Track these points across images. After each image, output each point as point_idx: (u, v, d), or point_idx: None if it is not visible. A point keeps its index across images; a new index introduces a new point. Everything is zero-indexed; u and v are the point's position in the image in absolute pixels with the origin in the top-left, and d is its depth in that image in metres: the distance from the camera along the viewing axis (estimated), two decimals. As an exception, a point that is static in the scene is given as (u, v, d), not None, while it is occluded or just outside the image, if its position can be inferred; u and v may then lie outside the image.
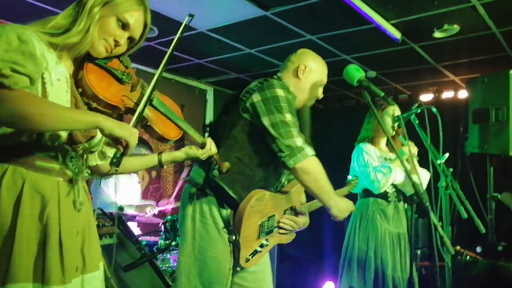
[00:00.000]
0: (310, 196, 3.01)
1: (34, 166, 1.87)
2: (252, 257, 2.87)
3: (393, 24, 5.11)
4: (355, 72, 2.77)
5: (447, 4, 4.58)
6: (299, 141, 2.71)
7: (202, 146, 2.54)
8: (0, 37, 1.74)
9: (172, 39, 2.24)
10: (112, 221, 3.61)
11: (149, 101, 2.15)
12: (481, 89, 4.92)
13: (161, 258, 4.49)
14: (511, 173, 6.07)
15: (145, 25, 2.16)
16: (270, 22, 5.08)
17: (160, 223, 4.82)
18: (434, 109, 3.56)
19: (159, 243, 4.65)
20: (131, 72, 2.17)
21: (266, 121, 2.76)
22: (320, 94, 3.14)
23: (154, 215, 5.47)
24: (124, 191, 5.50)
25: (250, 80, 7.59)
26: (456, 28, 5.13)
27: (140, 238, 4.27)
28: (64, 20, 1.98)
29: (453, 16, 4.85)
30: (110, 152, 2.24)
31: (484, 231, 3.54)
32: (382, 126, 3.08)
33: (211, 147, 2.56)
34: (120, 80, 2.10)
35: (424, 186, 4.27)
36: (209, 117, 8.11)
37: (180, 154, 2.59)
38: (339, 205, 2.89)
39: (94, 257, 2.09)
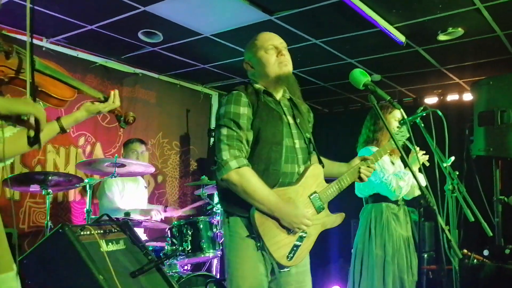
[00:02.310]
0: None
1: None
2: (294, 254, 2.87)
3: (397, 28, 5.11)
4: (361, 76, 2.77)
5: (451, 7, 4.59)
6: (225, 154, 2.76)
7: (104, 100, 2.47)
8: None
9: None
10: (119, 227, 3.61)
11: (32, 66, 1.95)
12: (486, 91, 4.92)
13: (167, 263, 4.49)
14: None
15: None
16: (274, 26, 5.08)
17: (167, 229, 4.82)
18: (439, 112, 3.57)
19: (166, 248, 4.65)
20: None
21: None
22: (279, 54, 3.02)
23: (161, 220, 5.49)
24: (130, 196, 5.51)
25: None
26: (460, 31, 5.13)
27: (146, 244, 4.27)
28: None
29: (457, 19, 4.86)
30: (0, 134, 1.95)
31: (491, 234, 3.55)
32: (389, 130, 3.07)
33: (114, 100, 2.51)
34: None
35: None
36: (214, 122, 8.10)
37: (81, 113, 2.46)
38: (285, 215, 2.78)
39: (3, 258, 1.93)
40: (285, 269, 2.90)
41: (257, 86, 3.02)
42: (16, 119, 1.71)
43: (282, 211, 2.77)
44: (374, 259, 4.32)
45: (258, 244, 2.78)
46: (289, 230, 2.84)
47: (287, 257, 2.85)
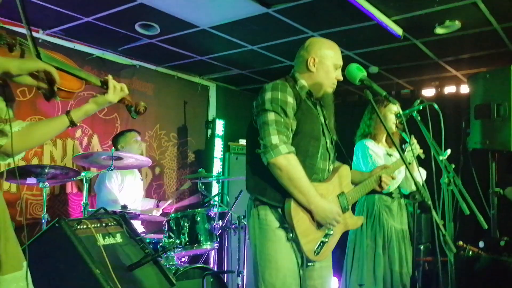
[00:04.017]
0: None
1: None
2: (320, 249, 2.94)
3: (394, 21, 5.11)
4: (357, 71, 2.80)
5: (448, 0, 4.58)
6: (275, 139, 2.77)
7: (101, 85, 2.39)
8: None
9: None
10: (116, 220, 3.62)
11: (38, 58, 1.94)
12: (483, 84, 4.92)
13: (165, 256, 4.50)
14: (515, 168, 6.07)
15: None
16: (272, 19, 5.08)
17: (164, 221, 4.83)
18: (436, 106, 3.58)
19: (163, 241, 4.66)
20: (2, 33, 1.92)
21: (258, 125, 2.90)
22: (338, 76, 3.12)
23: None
24: (128, 189, 5.51)
25: (252, 76, 7.63)
26: (457, 24, 5.13)
27: (144, 237, 4.28)
28: None
29: (454, 12, 4.85)
30: (8, 128, 1.98)
31: (486, 227, 3.57)
32: (384, 124, 3.09)
33: (122, 88, 2.44)
34: None
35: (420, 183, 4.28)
36: (212, 113, 8.12)
37: (90, 105, 2.37)
38: (321, 210, 2.84)
39: (13, 255, 1.95)
40: (311, 263, 2.95)
41: (302, 82, 3.07)
42: (31, 78, 1.79)
43: (319, 204, 2.82)
44: (365, 250, 4.36)
45: (291, 235, 2.82)
46: (319, 226, 2.90)
47: (315, 251, 2.91)
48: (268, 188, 2.88)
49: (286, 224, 2.82)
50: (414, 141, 4.21)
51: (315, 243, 2.91)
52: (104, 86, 2.36)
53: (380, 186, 3.31)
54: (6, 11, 4.67)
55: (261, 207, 2.91)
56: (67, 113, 2.27)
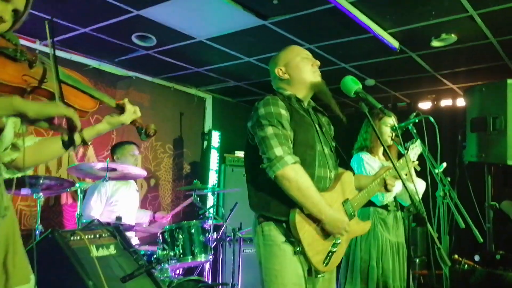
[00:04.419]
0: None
1: None
2: (329, 259, 2.91)
3: (391, 34, 5.13)
4: (352, 84, 2.79)
5: (444, 14, 4.61)
6: (278, 151, 2.73)
7: (121, 111, 2.35)
8: None
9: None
10: (110, 232, 3.60)
11: (57, 72, 1.92)
12: (479, 98, 4.94)
13: (159, 268, 4.47)
14: (511, 181, 6.08)
15: None
16: (268, 31, 5.10)
17: (158, 233, 4.80)
18: (431, 119, 3.58)
19: (157, 253, 4.63)
20: (23, 49, 1.89)
21: (257, 141, 2.85)
22: (315, 62, 3.11)
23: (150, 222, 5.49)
24: (122, 201, 5.47)
25: (249, 88, 7.64)
26: (453, 37, 5.15)
27: (138, 248, 4.25)
28: None
29: (450, 26, 4.88)
30: (20, 142, 2.02)
31: (481, 241, 3.56)
32: (379, 137, 3.08)
33: (135, 110, 2.39)
34: (14, 59, 1.84)
35: (420, 195, 4.27)
36: (208, 125, 8.12)
37: (103, 125, 2.33)
38: (332, 220, 2.80)
39: (21, 268, 1.94)
40: (320, 275, 2.93)
41: (287, 93, 3.05)
42: (49, 124, 1.72)
43: (328, 213, 2.78)
44: (359, 263, 4.34)
45: (298, 249, 2.77)
46: (326, 236, 2.86)
47: (324, 262, 2.88)
48: (271, 203, 2.84)
49: (292, 237, 2.78)
50: (415, 146, 4.16)
51: (323, 254, 2.88)
52: (119, 108, 2.34)
53: (385, 188, 3.28)
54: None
55: (265, 224, 2.88)
56: (80, 131, 2.17)
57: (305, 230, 2.79)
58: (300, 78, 3.05)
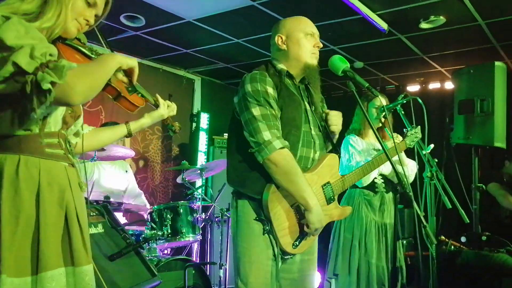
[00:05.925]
0: None
1: (45, 154, 1.90)
2: (299, 242, 2.86)
3: (379, 15, 5.13)
4: (340, 63, 2.78)
5: (433, -5, 4.61)
6: (266, 135, 2.69)
7: (157, 105, 2.66)
8: (6, 25, 1.70)
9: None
10: (98, 210, 3.59)
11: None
12: (467, 80, 4.96)
13: (147, 247, 4.48)
14: (498, 163, 6.13)
15: (107, 1, 2.13)
16: (257, 12, 5.08)
17: (147, 212, 4.81)
18: (419, 100, 3.59)
19: (145, 233, 4.64)
20: (92, 47, 2.19)
21: (242, 120, 2.82)
22: (317, 43, 3.01)
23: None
24: (107, 180, 5.43)
25: (238, 70, 7.60)
26: (442, 19, 5.16)
27: (126, 228, 4.25)
28: (28, 4, 1.87)
29: (439, 8, 4.88)
30: (80, 129, 2.29)
31: (467, 221, 3.59)
32: (367, 117, 3.07)
33: (169, 105, 2.73)
34: (90, 57, 2.12)
35: (412, 176, 4.30)
36: (197, 107, 8.11)
37: (146, 120, 2.70)
38: (316, 213, 2.73)
39: (89, 248, 2.09)
40: (289, 256, 2.90)
41: (279, 66, 2.98)
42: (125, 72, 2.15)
43: (316, 206, 2.73)
44: (342, 242, 4.37)
45: (266, 228, 2.76)
46: (300, 218, 2.84)
47: (293, 244, 2.84)
48: (247, 179, 2.83)
49: (263, 216, 2.77)
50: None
51: (294, 236, 2.84)
52: (156, 103, 2.66)
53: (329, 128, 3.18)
54: None
55: (239, 200, 2.88)
56: (127, 123, 2.65)
57: (277, 211, 2.77)
58: (296, 55, 2.96)
